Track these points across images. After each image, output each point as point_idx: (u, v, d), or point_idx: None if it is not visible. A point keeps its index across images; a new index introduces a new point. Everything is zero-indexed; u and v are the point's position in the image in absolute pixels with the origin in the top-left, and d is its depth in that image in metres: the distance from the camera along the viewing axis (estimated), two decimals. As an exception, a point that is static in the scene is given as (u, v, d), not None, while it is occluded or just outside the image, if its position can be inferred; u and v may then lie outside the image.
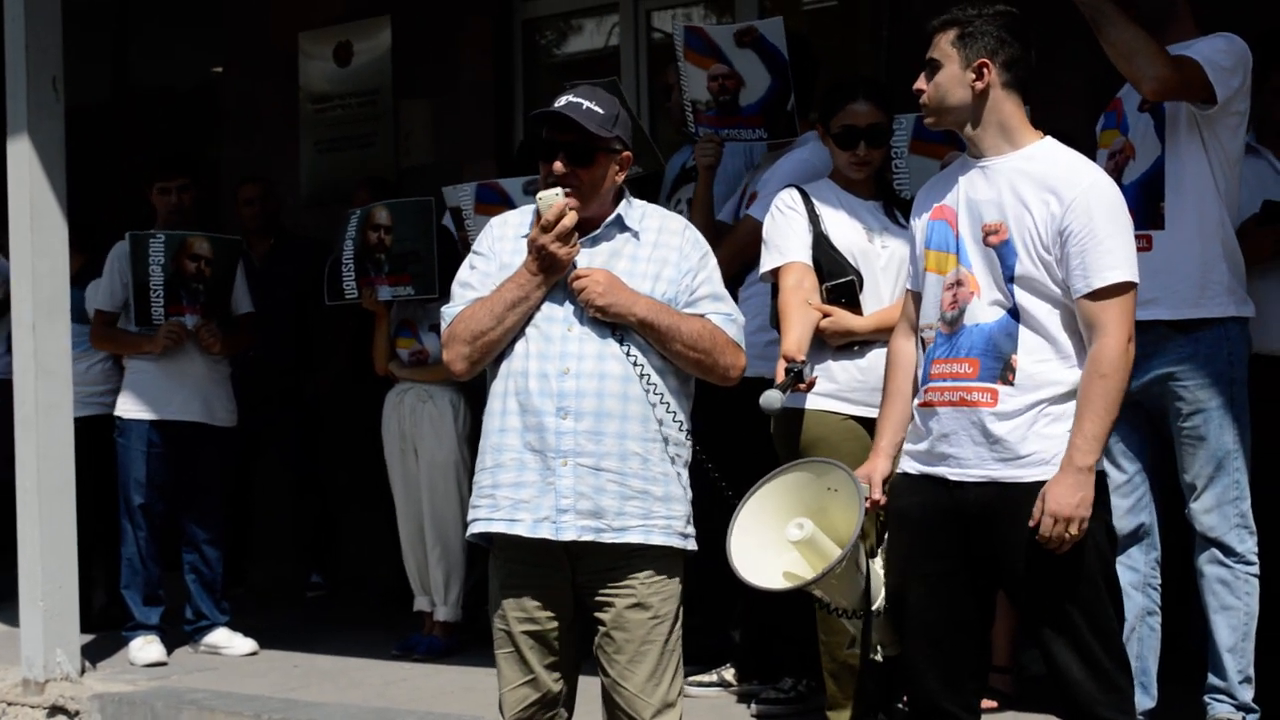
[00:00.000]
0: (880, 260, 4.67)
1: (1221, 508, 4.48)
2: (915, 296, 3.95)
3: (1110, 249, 3.61)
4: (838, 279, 4.61)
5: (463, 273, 3.96)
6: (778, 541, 3.79)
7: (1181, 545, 4.82)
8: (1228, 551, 4.50)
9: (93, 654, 6.41)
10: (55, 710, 5.95)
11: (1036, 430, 3.66)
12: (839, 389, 4.61)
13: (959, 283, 3.76)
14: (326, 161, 8.57)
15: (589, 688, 3.95)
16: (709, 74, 5.60)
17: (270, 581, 7.92)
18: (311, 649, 6.59)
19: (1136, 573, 4.61)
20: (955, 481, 3.74)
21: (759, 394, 4.01)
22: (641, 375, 3.76)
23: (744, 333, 3.91)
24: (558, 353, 3.76)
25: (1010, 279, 3.69)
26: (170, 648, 6.53)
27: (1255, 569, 4.52)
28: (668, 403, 3.79)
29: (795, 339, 4.33)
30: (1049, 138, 3.81)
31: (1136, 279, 3.65)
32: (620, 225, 3.89)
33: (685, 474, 3.86)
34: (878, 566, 3.86)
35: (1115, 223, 3.64)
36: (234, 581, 7.47)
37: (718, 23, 7.40)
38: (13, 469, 6.09)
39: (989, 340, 3.70)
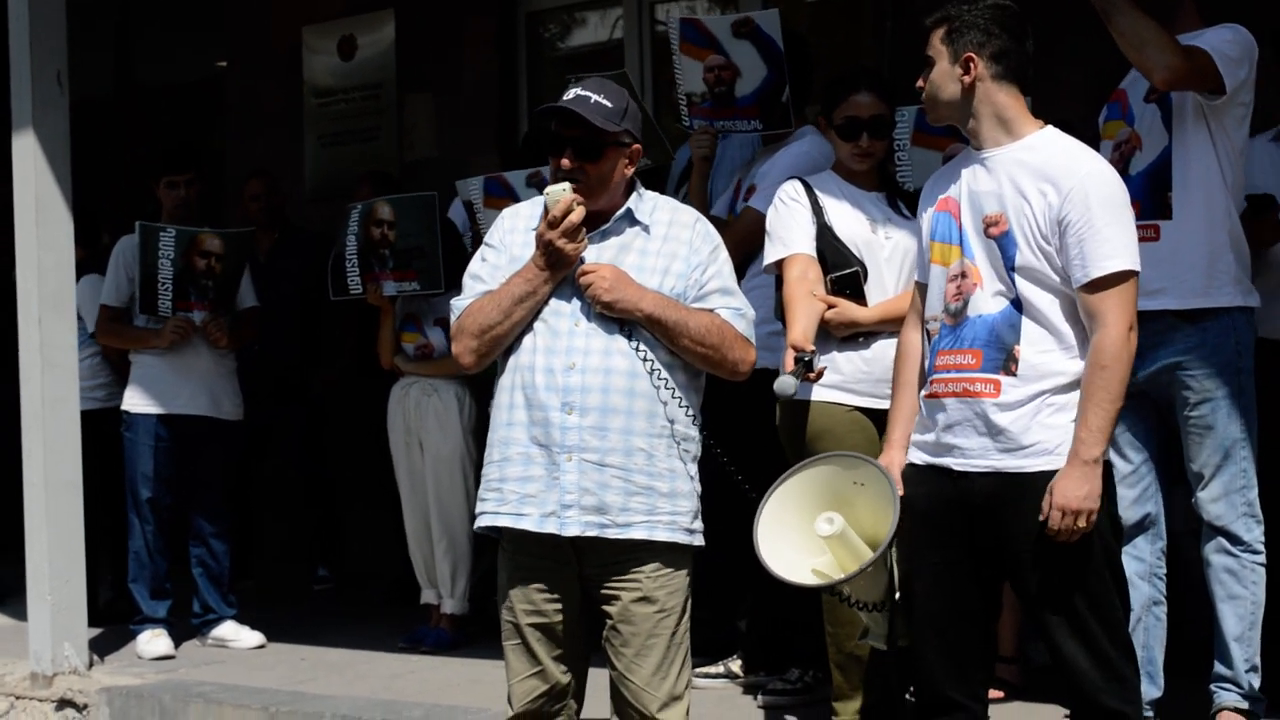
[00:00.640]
0: (884, 251, 4.68)
1: (1229, 496, 4.48)
2: (922, 289, 3.96)
3: (1108, 238, 3.61)
4: (842, 270, 4.61)
5: (473, 265, 3.96)
6: (803, 535, 3.79)
7: (1185, 535, 4.84)
8: (1235, 540, 4.50)
9: (100, 647, 6.42)
10: (63, 703, 5.96)
11: (1040, 420, 3.67)
12: (844, 380, 4.61)
13: (962, 274, 3.77)
14: (330, 155, 8.57)
15: (599, 678, 3.95)
16: (705, 65, 5.61)
17: (277, 575, 7.92)
18: (319, 642, 6.60)
19: (1142, 563, 4.61)
20: (960, 472, 3.74)
21: (766, 386, 4.01)
22: (651, 370, 3.76)
23: (753, 326, 3.91)
24: (564, 348, 3.76)
25: (1011, 269, 3.70)
26: (178, 641, 6.54)
27: (1262, 558, 4.52)
28: (679, 397, 3.79)
29: (801, 329, 4.33)
30: (1050, 127, 3.82)
31: (1137, 267, 3.65)
32: (630, 219, 3.88)
33: (694, 469, 3.86)
34: (895, 558, 3.86)
35: (1114, 211, 3.64)
36: (241, 575, 7.48)
37: (716, 12, 7.42)
38: (19, 463, 6.11)
39: (991, 331, 3.71)
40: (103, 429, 6.79)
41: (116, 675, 6.10)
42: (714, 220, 5.39)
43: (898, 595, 3.85)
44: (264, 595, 7.69)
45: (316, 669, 6.16)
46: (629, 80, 5.91)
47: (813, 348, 4.20)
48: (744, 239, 5.12)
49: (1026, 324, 3.68)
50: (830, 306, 4.55)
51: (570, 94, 3.83)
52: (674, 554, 3.82)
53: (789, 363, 4.13)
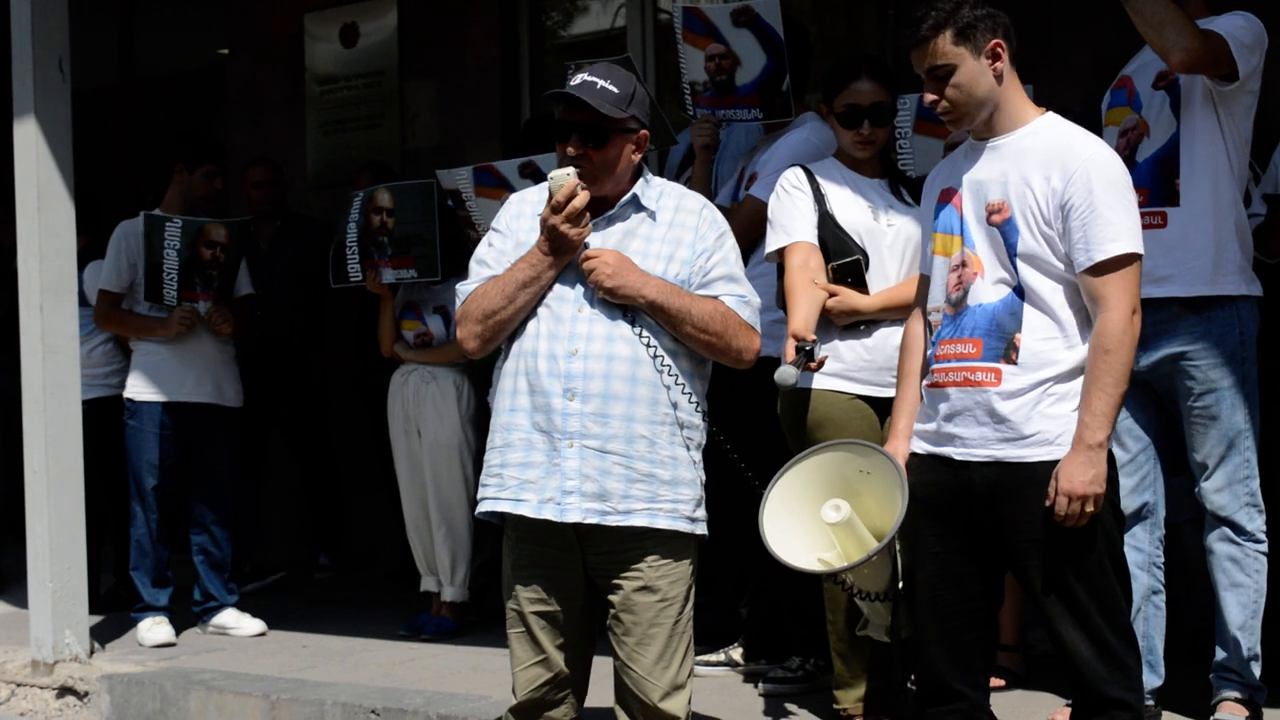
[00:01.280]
0: (886, 239, 4.66)
1: (1232, 486, 4.48)
2: (926, 281, 3.95)
3: (1111, 220, 3.61)
4: (843, 258, 4.60)
5: (480, 249, 3.95)
6: (809, 521, 3.78)
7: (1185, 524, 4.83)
8: (1238, 530, 4.50)
9: (101, 635, 6.43)
10: (64, 691, 5.96)
11: (1041, 410, 3.67)
12: (845, 368, 4.60)
13: (963, 264, 3.77)
14: (332, 143, 8.56)
15: (603, 665, 3.95)
16: (706, 54, 5.61)
17: (278, 563, 7.92)
18: (320, 629, 6.60)
19: (1141, 552, 4.61)
20: (961, 461, 3.74)
21: (768, 373, 4.00)
22: (655, 357, 3.75)
23: (759, 314, 3.90)
24: (567, 333, 3.76)
25: (1014, 256, 3.70)
26: (178, 629, 6.54)
27: (1264, 547, 4.52)
28: (682, 384, 3.78)
29: (802, 318, 4.32)
30: (1050, 113, 3.81)
31: (1140, 250, 3.65)
32: (636, 204, 3.87)
33: (698, 456, 3.85)
34: (899, 549, 3.86)
35: (1116, 194, 3.64)
36: (242, 562, 7.48)
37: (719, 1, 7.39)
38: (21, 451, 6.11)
39: (992, 320, 3.70)
40: (113, 416, 6.79)
41: (117, 663, 6.10)
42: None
43: (901, 586, 3.85)
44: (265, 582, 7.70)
45: (317, 656, 6.16)
46: (632, 65, 5.89)
47: (814, 337, 4.19)
48: (745, 228, 5.11)
49: (1028, 311, 3.67)
50: (832, 295, 4.54)
51: (577, 79, 3.83)
52: (676, 543, 3.82)
53: (790, 352, 4.12)
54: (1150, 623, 4.61)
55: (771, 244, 4.70)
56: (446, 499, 6.45)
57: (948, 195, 3.86)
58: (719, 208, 5.26)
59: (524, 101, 8.02)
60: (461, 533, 6.44)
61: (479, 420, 6.46)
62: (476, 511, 3.92)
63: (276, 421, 7.85)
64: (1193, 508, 4.66)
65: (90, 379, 6.65)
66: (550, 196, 3.75)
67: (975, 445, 3.72)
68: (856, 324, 4.61)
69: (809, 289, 4.46)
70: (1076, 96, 5.20)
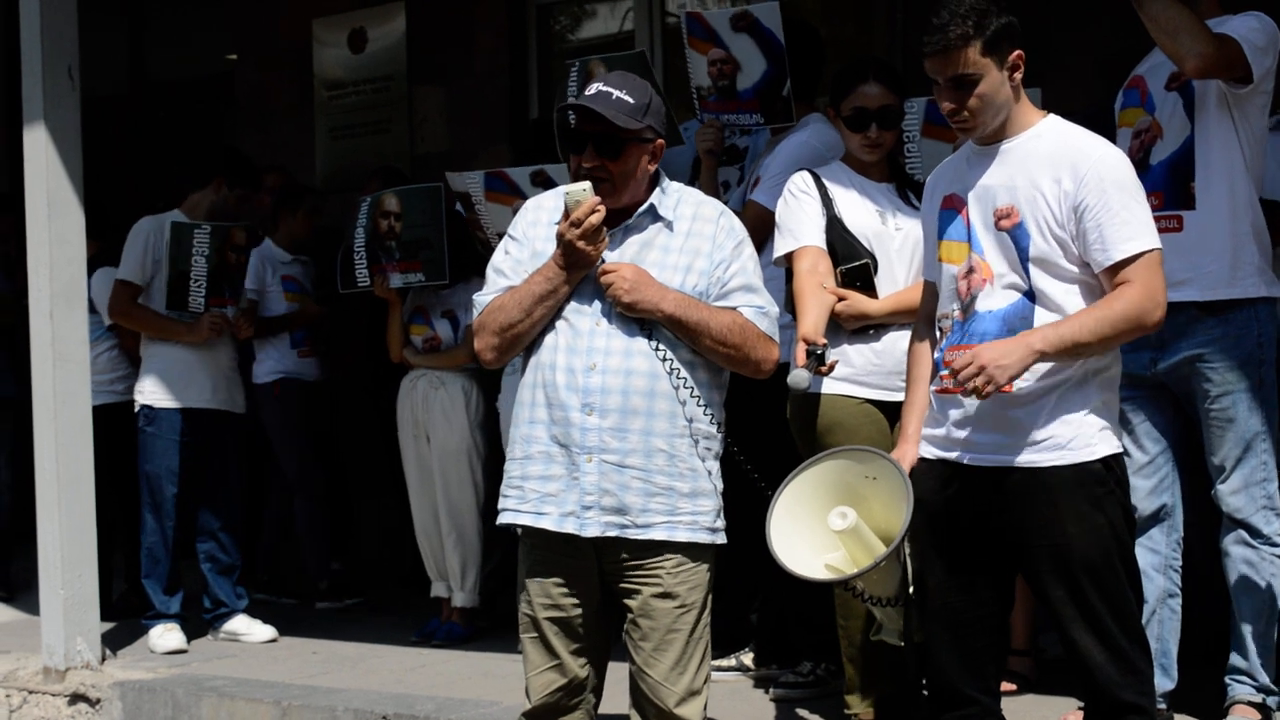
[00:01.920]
0: (894, 242, 4.66)
1: (1249, 489, 4.46)
2: (931, 286, 3.93)
3: (1126, 220, 3.59)
4: (852, 262, 4.60)
5: (496, 257, 3.94)
6: (817, 529, 3.77)
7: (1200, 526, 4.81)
8: (1254, 533, 4.48)
9: (113, 642, 6.44)
10: (76, 698, 5.97)
11: (1053, 414, 3.65)
12: (855, 373, 4.59)
13: (972, 270, 3.75)
14: (341, 148, 8.56)
15: (618, 671, 3.94)
16: (708, 59, 5.61)
17: (289, 568, 7.92)
18: (331, 635, 6.61)
19: (1158, 554, 4.59)
20: (972, 466, 3.73)
21: (777, 378, 3.99)
22: (671, 370, 3.74)
23: (776, 324, 3.88)
24: (585, 348, 3.75)
25: (1026, 261, 3.68)
26: (190, 635, 6.55)
27: (1280, 550, 4.50)
28: (699, 396, 3.77)
29: (812, 322, 4.31)
30: (1053, 115, 3.79)
31: (1159, 245, 3.63)
32: (653, 215, 3.85)
33: (716, 467, 3.84)
34: (908, 553, 3.85)
35: (1129, 193, 3.63)
36: (253, 568, 7.48)
37: (733, 6, 7.39)
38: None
39: (1003, 324, 3.68)
40: (119, 422, 6.79)
41: (129, 669, 6.11)
42: None
43: (912, 590, 3.84)
44: (276, 588, 7.69)
45: (329, 662, 6.16)
46: (646, 60, 5.89)
47: (824, 340, 4.18)
48: (749, 233, 5.10)
49: (1040, 315, 3.66)
50: (840, 299, 4.54)
51: (592, 89, 3.80)
52: (695, 549, 3.81)
53: (800, 356, 4.11)
54: (1165, 625, 4.60)
55: (780, 248, 4.69)
56: (457, 505, 6.44)
57: (952, 202, 3.84)
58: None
59: (533, 105, 8.02)
60: (471, 538, 6.44)
61: (488, 425, 6.46)
62: (498, 522, 3.91)
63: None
64: (1195, 510, 4.65)
65: (96, 385, 6.62)
66: (567, 211, 3.73)
67: (986, 450, 3.70)
68: (865, 328, 4.60)
69: (818, 293, 4.46)
70: (1077, 98, 5.18)
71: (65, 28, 6.03)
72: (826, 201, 4.66)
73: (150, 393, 6.57)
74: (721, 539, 3.84)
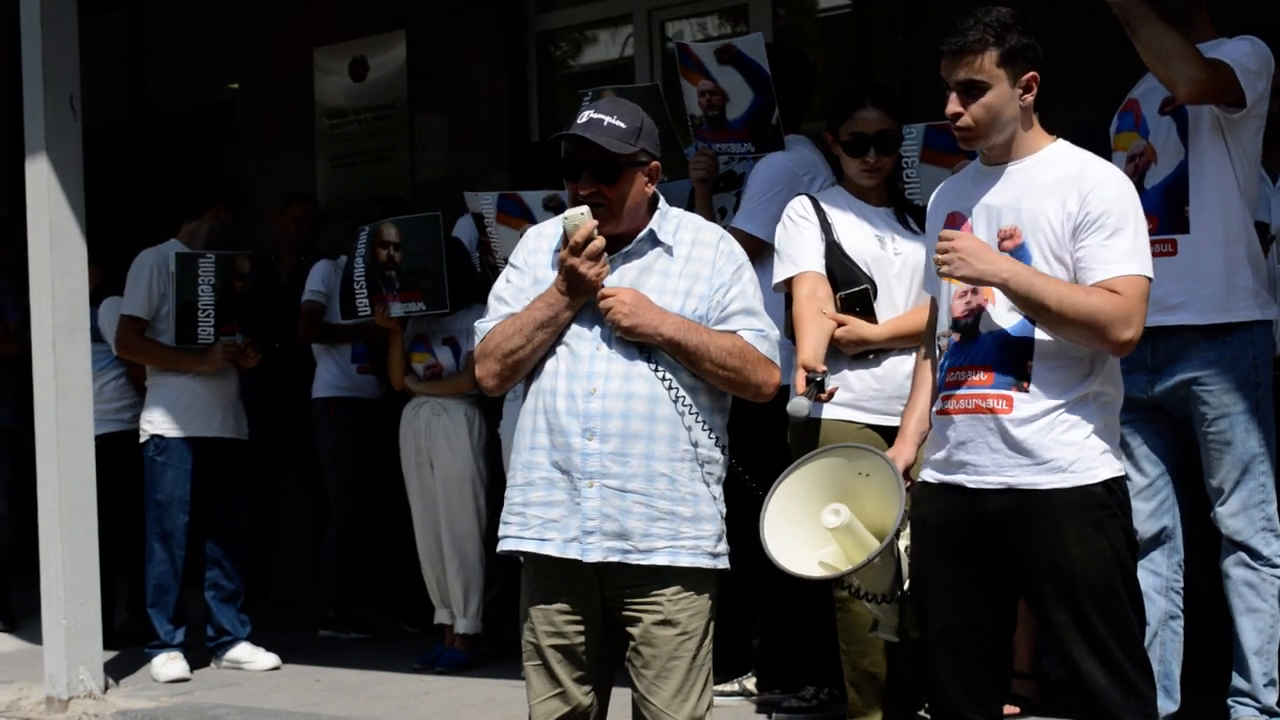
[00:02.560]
0: (894, 267, 4.66)
1: (1247, 511, 4.47)
2: (935, 302, 3.94)
3: (1116, 245, 3.59)
4: (851, 288, 4.60)
5: (498, 285, 3.95)
6: (810, 527, 3.77)
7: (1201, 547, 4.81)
8: (1254, 555, 4.49)
9: (116, 671, 6.43)
10: (79, 727, 5.97)
11: (1054, 437, 3.64)
12: (855, 398, 4.60)
13: (974, 290, 3.75)
14: (343, 177, 8.59)
15: (620, 696, 3.94)
16: (698, 90, 5.65)
17: (292, 596, 7.92)
18: (333, 663, 6.60)
19: (1159, 577, 4.60)
20: (974, 489, 3.72)
21: (776, 400, 3.99)
22: (673, 395, 3.74)
23: (777, 347, 3.88)
24: (585, 372, 3.75)
25: (1026, 283, 3.67)
26: (193, 664, 6.54)
27: (1280, 571, 4.50)
28: (701, 420, 3.77)
29: (811, 348, 4.32)
30: (1061, 140, 3.80)
31: (1150, 274, 3.63)
32: (653, 240, 3.85)
33: (719, 491, 3.84)
34: (903, 549, 3.84)
35: (1128, 218, 3.63)
36: (256, 597, 7.47)
37: (733, 33, 7.42)
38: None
39: (1004, 347, 3.68)
40: (124, 450, 6.79)
41: (132, 699, 6.10)
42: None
43: (906, 585, 3.83)
44: (279, 616, 7.68)
45: (331, 690, 6.16)
46: (659, 93, 5.91)
47: (824, 368, 4.18)
48: None
49: (1040, 339, 3.65)
50: (840, 324, 4.54)
51: (583, 118, 3.81)
52: (697, 577, 3.80)
53: (800, 383, 4.11)
54: (1168, 647, 4.60)
55: (779, 274, 4.70)
56: (459, 531, 6.45)
57: (955, 220, 3.84)
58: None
59: (533, 131, 8.05)
60: (474, 565, 6.44)
61: (491, 451, 6.47)
62: (499, 549, 3.90)
63: (293, 455, 7.85)
64: (1195, 532, 4.65)
65: (102, 414, 6.65)
66: (566, 236, 3.75)
67: (988, 472, 3.69)
68: (865, 353, 4.61)
69: (817, 319, 4.46)
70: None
71: (66, 57, 6.06)
72: (825, 226, 4.67)
73: (160, 422, 6.57)
74: (724, 564, 3.84)
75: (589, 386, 3.73)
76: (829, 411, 4.55)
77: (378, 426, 7.28)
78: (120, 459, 6.83)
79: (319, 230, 7.98)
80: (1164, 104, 4.50)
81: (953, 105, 3.73)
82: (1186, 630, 4.64)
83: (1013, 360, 3.66)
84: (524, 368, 3.82)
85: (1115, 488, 3.69)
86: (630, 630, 3.79)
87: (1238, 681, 4.53)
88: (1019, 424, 3.64)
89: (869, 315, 4.60)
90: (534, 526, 3.77)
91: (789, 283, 4.65)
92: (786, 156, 5.37)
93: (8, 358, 7.71)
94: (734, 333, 3.79)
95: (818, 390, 4.10)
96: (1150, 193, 4.45)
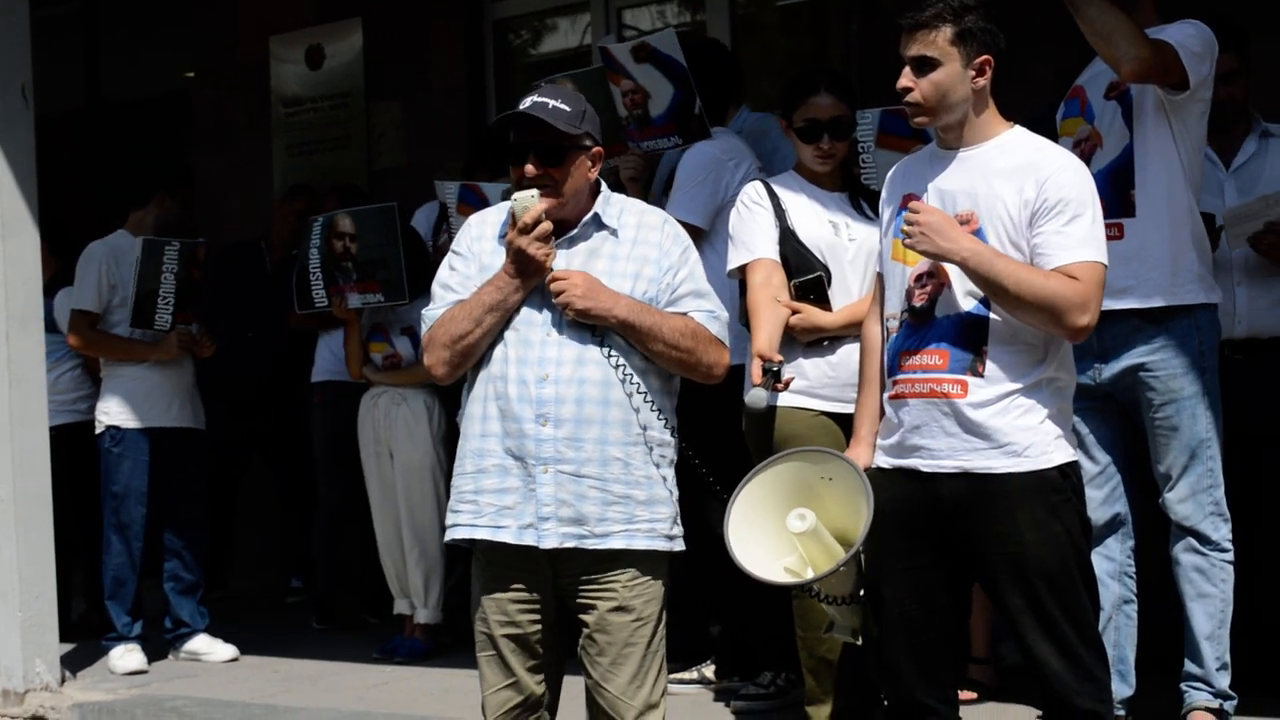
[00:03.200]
0: (848, 254, 4.67)
1: (1196, 496, 4.49)
2: (880, 281, 3.94)
3: (1071, 232, 3.61)
4: (805, 275, 4.61)
5: (442, 273, 3.93)
6: (774, 532, 3.77)
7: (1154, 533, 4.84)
8: (1203, 540, 4.51)
9: (72, 663, 6.40)
10: (35, 720, 5.94)
11: (1008, 421, 3.65)
12: (810, 385, 4.60)
13: (930, 274, 3.75)
14: (299, 165, 8.55)
15: (572, 686, 3.94)
16: (621, 90, 5.71)
17: (250, 587, 7.89)
18: (292, 654, 6.59)
19: (1112, 562, 4.62)
20: (927, 473, 3.73)
21: (734, 385, 3.99)
22: (624, 378, 3.74)
23: (727, 329, 3.89)
24: (537, 358, 3.74)
25: (983, 268, 3.68)
26: (150, 656, 6.51)
27: (1230, 556, 4.53)
28: (651, 402, 3.77)
29: (766, 337, 4.32)
30: (1018, 126, 3.81)
31: (1104, 260, 3.65)
32: (598, 223, 3.86)
33: (671, 474, 3.84)
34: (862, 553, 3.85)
35: (1084, 205, 3.65)
36: (214, 587, 7.43)
37: (691, 21, 7.44)
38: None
39: (959, 331, 3.69)
40: (80, 441, 6.75)
41: (89, 691, 6.08)
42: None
43: (862, 591, 3.84)
44: (238, 607, 7.65)
45: (290, 681, 6.14)
46: (605, 76, 5.93)
47: (780, 358, 4.18)
48: None
49: (994, 324, 3.66)
50: (795, 312, 4.55)
51: (527, 101, 3.82)
52: (651, 562, 3.80)
53: (757, 374, 4.11)
54: (1121, 632, 4.62)
55: (733, 260, 4.70)
56: (419, 521, 6.44)
57: (909, 201, 3.85)
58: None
59: (490, 120, 8.02)
60: (434, 554, 6.43)
61: (450, 441, 6.44)
62: (448, 538, 3.88)
63: (258, 444, 7.81)
64: (1145, 518, 4.68)
65: (57, 405, 6.61)
66: (514, 219, 3.74)
67: (943, 456, 3.70)
68: (820, 340, 4.61)
69: (772, 307, 4.46)
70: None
71: (18, 46, 6.01)
72: (779, 213, 4.67)
73: (117, 413, 6.54)
74: (680, 546, 3.84)
75: (541, 372, 3.72)
76: (785, 399, 4.55)
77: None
78: (77, 450, 6.79)
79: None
80: (1109, 88, 4.52)
81: (904, 79, 3.76)
82: (1139, 615, 4.67)
83: (968, 343, 3.67)
84: (474, 354, 3.81)
85: (1070, 473, 3.71)
86: (584, 618, 3.79)
87: (1190, 667, 4.55)
88: (975, 407, 3.65)
89: (823, 302, 4.60)
90: (488, 514, 3.76)
91: (743, 269, 4.65)
92: (713, 144, 5.44)
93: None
94: (685, 314, 3.80)
95: (774, 380, 4.10)
96: (1096, 177, 4.41)
